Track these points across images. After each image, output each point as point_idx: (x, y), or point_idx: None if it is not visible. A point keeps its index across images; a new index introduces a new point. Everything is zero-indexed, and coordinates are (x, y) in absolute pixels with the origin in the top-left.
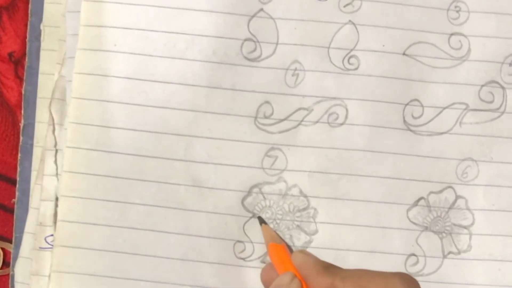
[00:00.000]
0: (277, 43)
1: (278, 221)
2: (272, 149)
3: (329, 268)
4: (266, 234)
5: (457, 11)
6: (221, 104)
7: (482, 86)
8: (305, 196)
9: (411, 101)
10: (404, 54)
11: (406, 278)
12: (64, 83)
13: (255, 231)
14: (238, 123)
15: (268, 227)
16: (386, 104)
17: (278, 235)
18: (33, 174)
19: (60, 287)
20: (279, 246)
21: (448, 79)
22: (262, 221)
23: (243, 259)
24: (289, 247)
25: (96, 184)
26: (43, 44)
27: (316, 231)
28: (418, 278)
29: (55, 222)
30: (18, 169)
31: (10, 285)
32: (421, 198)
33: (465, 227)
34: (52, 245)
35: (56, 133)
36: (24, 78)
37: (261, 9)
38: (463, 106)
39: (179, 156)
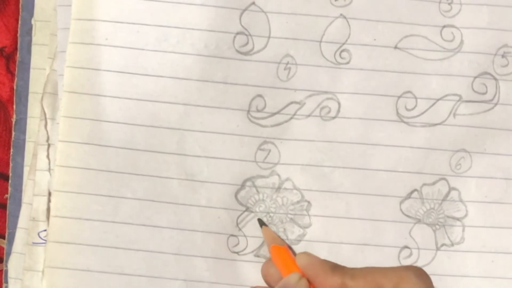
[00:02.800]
0: (269, 37)
1: (271, 215)
2: (265, 142)
3: (336, 268)
4: (267, 236)
5: (449, 4)
6: (213, 98)
7: (475, 77)
8: (298, 189)
9: (404, 93)
10: (395, 47)
11: (419, 271)
12: (56, 77)
13: (248, 225)
14: (230, 117)
15: (268, 229)
16: (378, 97)
17: (279, 236)
18: (26, 169)
19: (53, 282)
20: (281, 248)
21: (441, 71)
22: (262, 223)
23: (237, 253)
24: (291, 248)
25: (89, 178)
26: (35, 39)
27: (309, 224)
28: None
29: (48, 217)
30: (11, 165)
31: (3, 281)
32: (414, 190)
33: (458, 219)
34: (45, 240)
35: (48, 127)
36: (16, 73)
37: (253, 3)
38: (457, 98)
39: (172, 149)
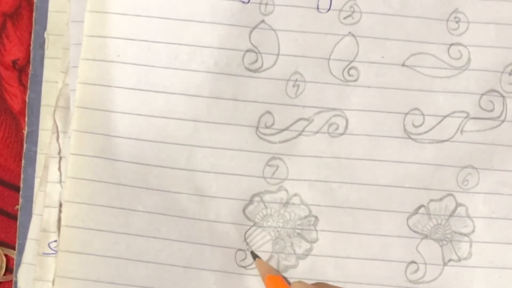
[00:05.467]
0: (278, 54)
1: (279, 229)
2: (273, 158)
3: None
4: (261, 268)
5: (457, 22)
6: (222, 114)
7: (482, 95)
8: (306, 205)
9: (412, 110)
10: (403, 65)
11: None
12: (68, 92)
13: (256, 239)
14: (239, 133)
15: (262, 261)
16: (386, 114)
17: (272, 267)
18: (37, 181)
19: None
20: (276, 278)
21: (448, 88)
22: (255, 255)
23: (244, 267)
24: (285, 278)
25: (99, 191)
26: (47, 52)
27: (316, 239)
28: (418, 286)
29: (59, 228)
30: (22, 176)
31: None
32: (421, 206)
33: (465, 235)
34: (56, 251)
35: (60, 140)
36: (28, 85)
37: (263, 21)
38: (464, 115)
39: (181, 165)
